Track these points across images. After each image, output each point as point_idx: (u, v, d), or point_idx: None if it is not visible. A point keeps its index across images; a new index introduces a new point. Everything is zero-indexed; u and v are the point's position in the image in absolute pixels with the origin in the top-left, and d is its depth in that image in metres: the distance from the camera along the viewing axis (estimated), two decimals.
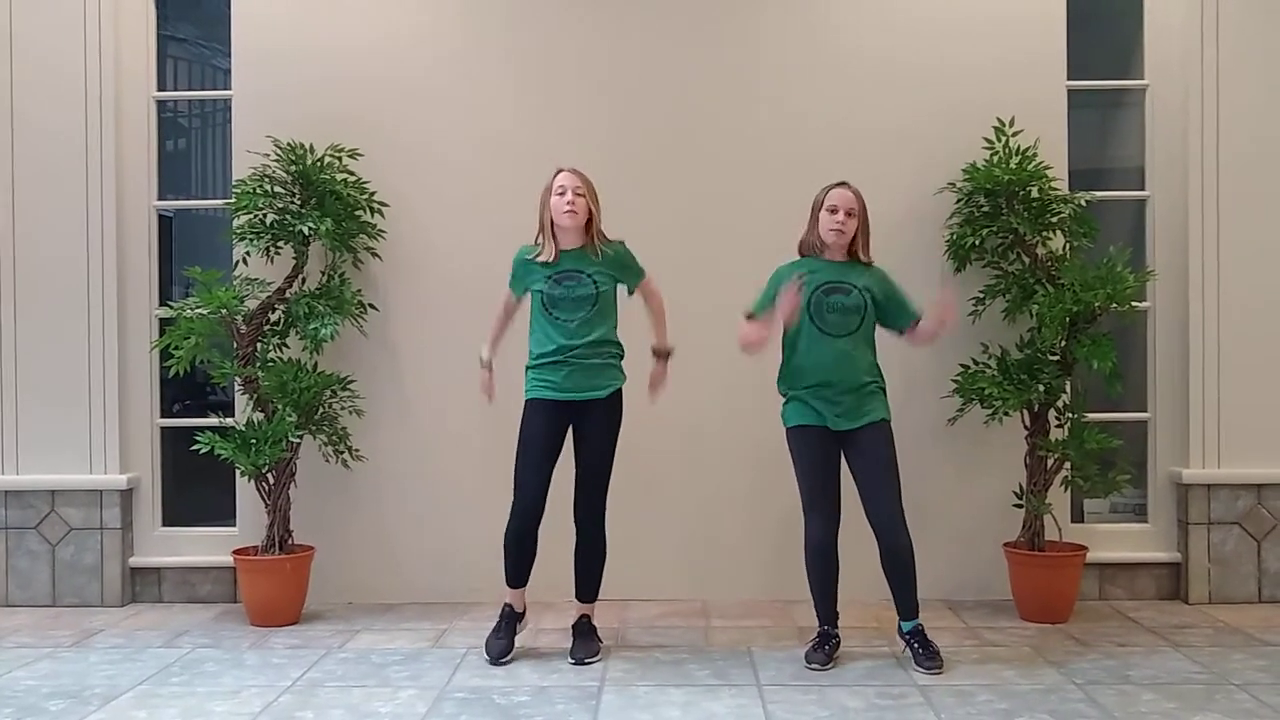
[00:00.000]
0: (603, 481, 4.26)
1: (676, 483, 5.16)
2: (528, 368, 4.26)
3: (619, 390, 4.27)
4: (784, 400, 4.25)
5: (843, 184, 4.21)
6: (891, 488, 4.11)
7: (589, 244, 4.23)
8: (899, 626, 4.17)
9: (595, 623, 4.38)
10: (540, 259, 4.22)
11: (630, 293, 4.39)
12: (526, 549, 4.25)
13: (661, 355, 4.44)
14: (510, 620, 4.31)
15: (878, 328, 4.24)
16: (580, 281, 4.18)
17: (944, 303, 4.15)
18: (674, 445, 5.14)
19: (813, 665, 4.11)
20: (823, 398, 4.11)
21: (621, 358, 4.31)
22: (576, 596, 4.36)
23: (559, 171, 4.22)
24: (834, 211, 4.15)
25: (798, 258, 4.29)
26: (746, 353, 4.24)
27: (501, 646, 4.24)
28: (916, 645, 4.10)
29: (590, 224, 4.23)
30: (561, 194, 4.17)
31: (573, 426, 4.26)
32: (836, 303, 4.13)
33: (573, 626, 4.35)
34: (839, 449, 4.18)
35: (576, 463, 4.27)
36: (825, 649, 4.15)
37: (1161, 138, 5.18)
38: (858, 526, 4.14)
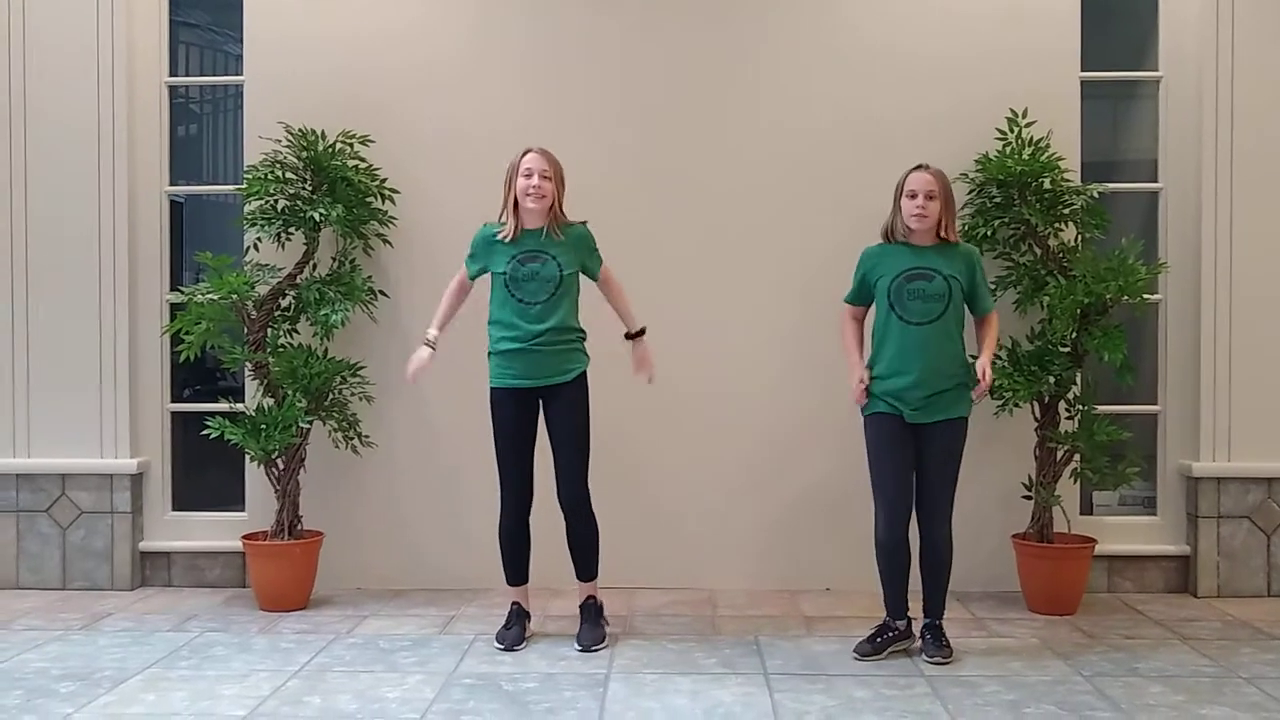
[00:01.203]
0: (581, 463, 4.25)
1: (684, 472, 5.16)
2: (490, 353, 4.26)
3: (583, 373, 4.27)
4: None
5: (922, 166, 4.12)
6: (947, 487, 4.09)
7: (550, 224, 4.22)
8: (922, 619, 4.17)
9: (602, 601, 4.38)
10: (501, 236, 4.22)
11: (595, 277, 4.34)
12: (520, 543, 4.29)
13: (637, 336, 4.40)
14: (520, 615, 4.35)
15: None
16: (544, 262, 4.17)
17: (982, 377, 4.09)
18: (682, 434, 5.14)
19: (855, 654, 4.11)
20: (901, 389, 4.04)
21: (584, 340, 4.30)
22: (577, 577, 4.37)
23: (527, 151, 4.21)
24: (913, 197, 4.06)
25: (882, 241, 4.20)
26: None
27: (514, 636, 4.26)
28: (929, 636, 4.11)
29: (553, 207, 4.22)
30: (529, 176, 4.16)
31: (543, 412, 4.27)
32: (918, 289, 4.04)
33: (580, 607, 4.36)
34: (913, 439, 4.10)
35: (553, 448, 4.27)
36: (876, 640, 4.14)
37: (1175, 130, 5.16)
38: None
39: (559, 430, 4.25)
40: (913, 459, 4.09)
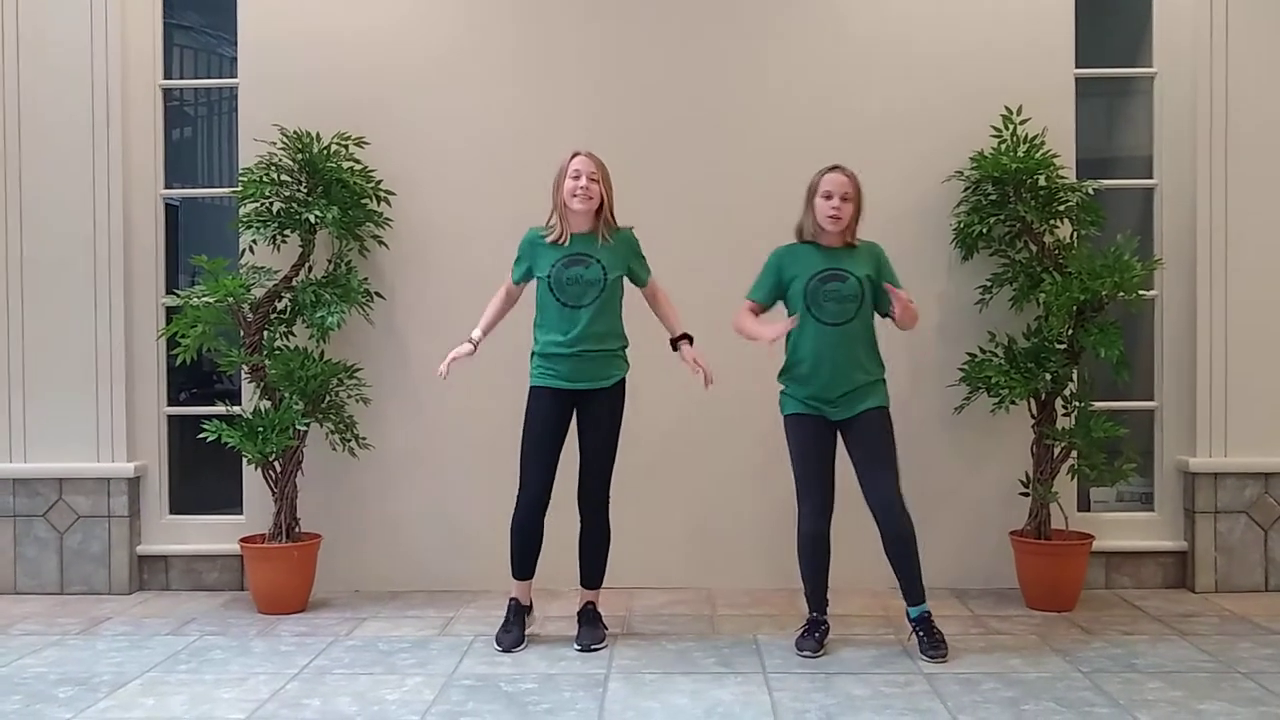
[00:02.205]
0: (606, 469, 4.27)
1: (683, 471, 5.16)
2: (533, 354, 4.27)
3: (623, 380, 4.28)
4: (782, 389, 4.25)
5: (836, 168, 4.15)
6: (889, 472, 4.11)
7: (599, 229, 4.23)
8: (907, 612, 4.18)
9: (601, 610, 4.39)
10: (550, 239, 4.22)
11: (642, 284, 4.37)
12: (533, 539, 4.27)
13: (685, 339, 4.39)
14: (518, 614, 4.33)
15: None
16: (589, 266, 4.17)
17: (898, 300, 4.09)
18: (680, 434, 5.14)
19: (804, 652, 4.12)
20: (819, 388, 4.11)
21: (625, 348, 4.31)
22: (581, 583, 4.37)
23: (574, 155, 4.21)
24: (829, 198, 4.11)
25: (794, 241, 4.26)
26: (743, 337, 4.24)
27: (513, 638, 4.26)
28: (922, 634, 4.11)
29: (601, 210, 4.22)
30: (576, 178, 4.16)
31: (576, 414, 4.27)
32: (834, 290, 4.10)
33: (578, 613, 4.36)
34: (835, 438, 4.18)
35: (581, 450, 4.27)
36: (815, 636, 4.16)
37: (1170, 126, 5.16)
38: (862, 514, 4.14)
39: (591, 434, 4.25)
40: (834, 457, 4.16)
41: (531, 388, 4.26)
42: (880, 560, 4.17)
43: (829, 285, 4.11)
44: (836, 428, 4.17)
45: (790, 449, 4.21)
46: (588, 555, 4.33)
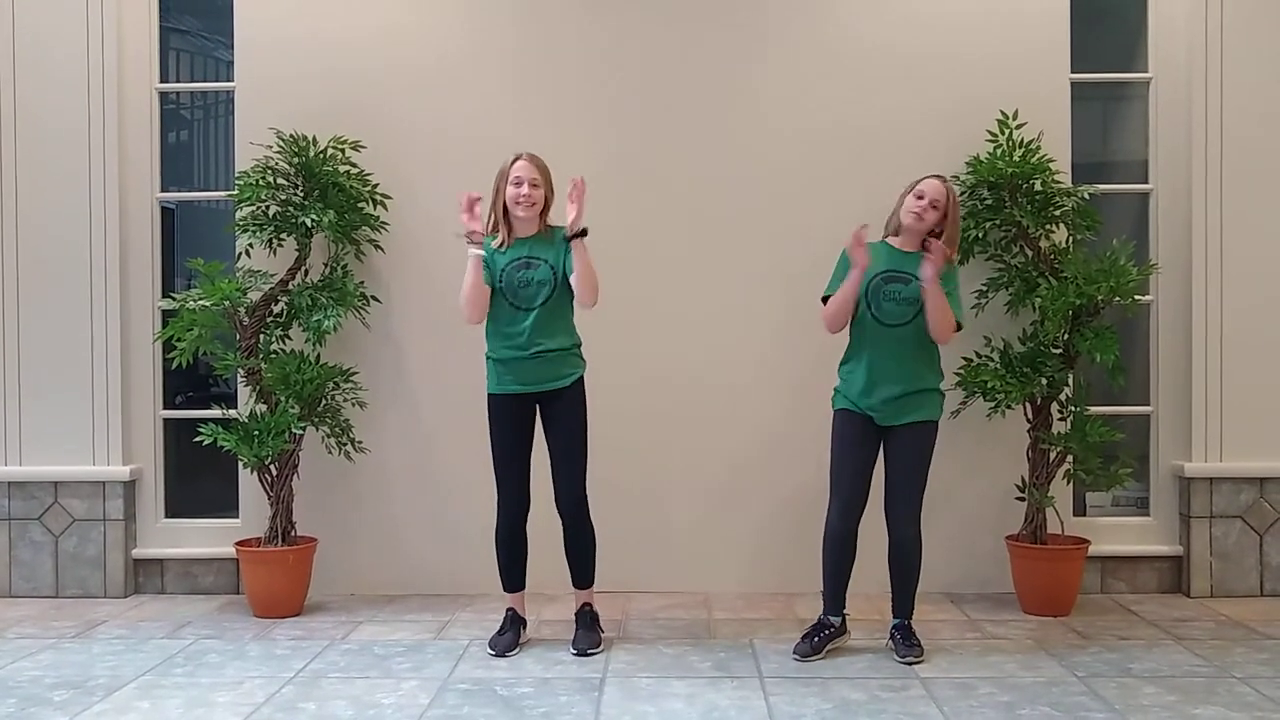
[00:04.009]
0: (579, 468, 4.25)
1: (679, 475, 5.16)
2: (489, 358, 4.26)
3: (581, 378, 4.27)
4: (837, 384, 4.22)
5: (938, 176, 4.17)
6: (916, 487, 4.12)
7: (543, 229, 4.22)
8: (890, 620, 4.20)
9: (597, 609, 4.39)
10: (495, 245, 4.21)
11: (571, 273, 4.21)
12: (518, 547, 4.29)
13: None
14: (515, 621, 4.34)
15: None
16: (538, 267, 4.16)
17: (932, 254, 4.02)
18: (675, 437, 5.14)
19: (795, 655, 4.13)
20: (867, 387, 4.09)
21: (579, 346, 4.30)
22: (574, 584, 4.37)
23: (516, 159, 4.19)
24: (920, 197, 4.09)
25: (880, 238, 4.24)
26: (831, 331, 4.18)
27: (506, 641, 4.26)
28: (899, 636, 4.14)
29: (545, 212, 4.22)
30: (518, 184, 4.14)
31: (541, 418, 4.27)
32: (894, 292, 4.08)
33: (575, 615, 4.36)
34: (878, 441, 4.15)
35: (550, 453, 4.27)
36: (814, 640, 4.16)
37: (1165, 131, 5.17)
38: (866, 519, 4.15)
39: (557, 436, 4.25)
40: (874, 459, 4.15)
41: (490, 396, 4.25)
42: (878, 565, 4.19)
43: (890, 286, 4.09)
44: (882, 432, 4.14)
45: (832, 443, 4.19)
46: (575, 556, 4.33)
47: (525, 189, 4.14)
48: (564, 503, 4.26)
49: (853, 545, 4.16)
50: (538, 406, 4.26)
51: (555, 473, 4.26)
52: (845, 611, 4.23)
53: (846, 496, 4.12)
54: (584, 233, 4.11)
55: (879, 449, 4.16)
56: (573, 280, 4.13)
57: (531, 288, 4.15)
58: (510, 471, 4.24)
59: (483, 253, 4.16)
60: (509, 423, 4.23)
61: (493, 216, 4.23)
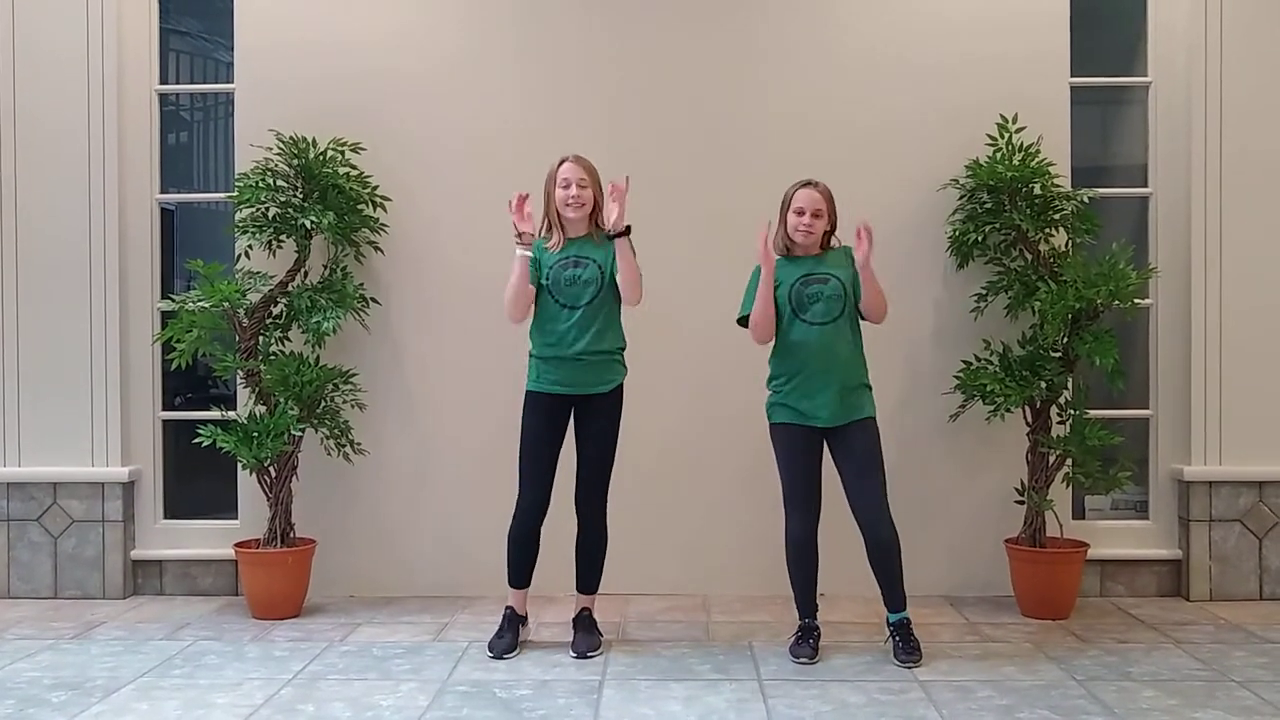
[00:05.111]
0: (605, 474, 4.26)
1: (678, 477, 5.16)
2: (532, 356, 4.26)
3: (621, 385, 4.28)
4: (769, 396, 4.26)
5: (809, 183, 4.22)
6: (876, 481, 4.13)
7: (594, 230, 4.24)
8: (886, 618, 4.19)
9: (596, 616, 4.38)
10: (548, 246, 4.23)
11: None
12: (530, 547, 4.27)
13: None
14: (513, 622, 4.33)
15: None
16: (586, 266, 4.17)
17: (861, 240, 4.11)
18: (675, 440, 5.14)
19: (801, 659, 4.12)
20: (808, 391, 4.13)
21: (624, 350, 4.30)
22: (577, 588, 4.37)
23: (563, 161, 4.22)
24: (800, 214, 4.18)
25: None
26: (761, 342, 4.24)
27: (505, 644, 4.25)
28: (898, 639, 4.13)
29: (595, 212, 4.23)
30: (566, 186, 4.17)
31: (574, 419, 4.27)
32: (817, 292, 4.16)
33: (574, 619, 4.36)
34: (821, 446, 4.20)
35: (579, 456, 4.27)
36: (810, 642, 4.17)
37: (1164, 135, 5.18)
38: (852, 521, 4.15)
39: (589, 439, 4.25)
40: (821, 465, 4.19)
41: (528, 393, 4.25)
42: (865, 566, 4.17)
43: (812, 288, 4.17)
44: (824, 436, 4.19)
45: (777, 456, 4.23)
46: (584, 560, 4.33)
47: (574, 190, 4.16)
48: (586, 508, 4.27)
49: (816, 550, 4.19)
50: (574, 409, 4.25)
51: (581, 476, 4.26)
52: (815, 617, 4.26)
53: (806, 505, 4.17)
54: (627, 230, 4.15)
55: (823, 454, 4.20)
56: (618, 279, 4.18)
57: (577, 286, 4.16)
58: (536, 469, 4.22)
59: (530, 253, 4.18)
60: (543, 421, 4.22)
61: (546, 220, 4.26)
